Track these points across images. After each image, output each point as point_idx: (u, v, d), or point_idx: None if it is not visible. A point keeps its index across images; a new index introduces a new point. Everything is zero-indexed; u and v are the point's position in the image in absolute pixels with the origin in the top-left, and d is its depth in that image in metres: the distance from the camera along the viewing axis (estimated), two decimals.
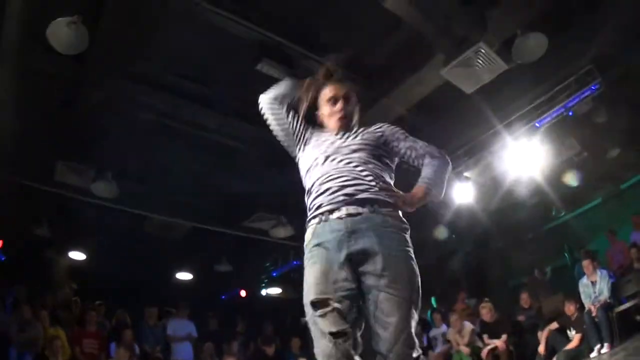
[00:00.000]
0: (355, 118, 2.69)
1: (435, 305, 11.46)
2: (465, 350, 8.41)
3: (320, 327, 2.12)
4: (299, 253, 10.35)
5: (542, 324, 8.16)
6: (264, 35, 5.68)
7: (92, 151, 7.55)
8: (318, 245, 2.29)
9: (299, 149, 2.67)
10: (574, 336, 7.54)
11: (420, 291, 2.24)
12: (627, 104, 7.59)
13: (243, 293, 12.22)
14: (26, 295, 8.34)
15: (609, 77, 6.90)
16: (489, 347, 8.19)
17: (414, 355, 2.15)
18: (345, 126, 2.61)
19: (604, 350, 6.85)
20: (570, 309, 7.72)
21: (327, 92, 2.64)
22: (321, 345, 2.12)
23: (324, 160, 2.46)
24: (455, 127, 7.92)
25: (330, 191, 2.35)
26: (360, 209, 2.29)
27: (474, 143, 8.21)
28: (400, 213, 2.38)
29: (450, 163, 2.59)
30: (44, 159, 7.38)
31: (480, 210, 9.66)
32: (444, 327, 9.40)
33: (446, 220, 9.80)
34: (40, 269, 9.75)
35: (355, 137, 2.54)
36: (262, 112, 2.71)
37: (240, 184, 8.76)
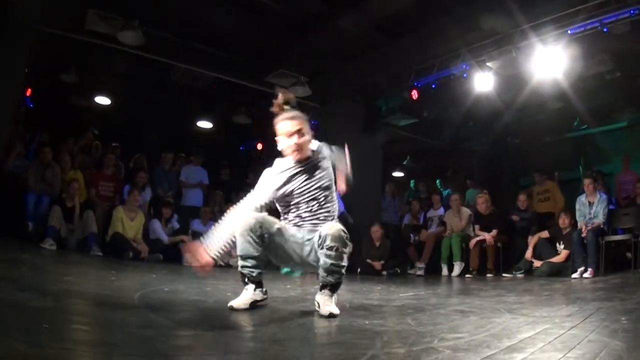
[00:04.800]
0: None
1: (440, 187, 11.80)
2: None
3: None
4: (318, 113, 10.38)
5: (534, 230, 8.15)
6: None
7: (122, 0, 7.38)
8: None
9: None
10: (562, 251, 7.50)
11: None
12: None
13: (260, 146, 12.29)
14: (49, 140, 8.32)
15: None
16: (477, 239, 8.23)
17: None
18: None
19: (586, 275, 6.67)
20: (564, 221, 7.59)
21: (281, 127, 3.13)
22: None
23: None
24: (485, 17, 7.52)
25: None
26: None
27: (501, 36, 7.78)
28: None
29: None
30: (74, 8, 7.22)
31: (501, 104, 9.50)
32: (441, 210, 9.61)
33: (465, 106, 9.63)
34: (66, 114, 9.88)
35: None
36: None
37: (265, 40, 8.65)
